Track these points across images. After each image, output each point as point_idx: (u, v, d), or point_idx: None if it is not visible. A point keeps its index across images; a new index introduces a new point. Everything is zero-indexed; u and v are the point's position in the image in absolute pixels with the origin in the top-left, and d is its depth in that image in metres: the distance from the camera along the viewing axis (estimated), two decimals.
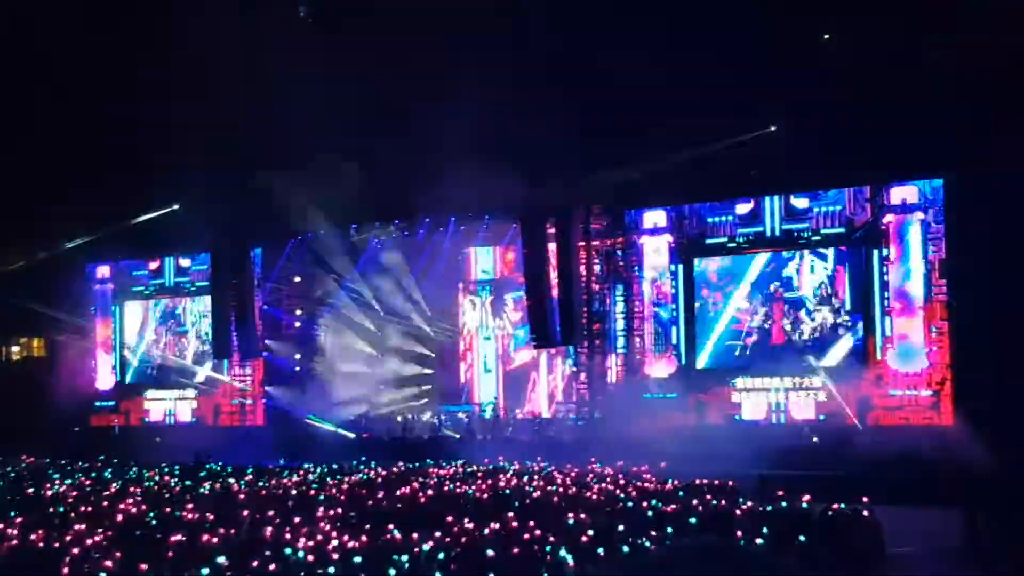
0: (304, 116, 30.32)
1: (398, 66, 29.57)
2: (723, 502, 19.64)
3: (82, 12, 29.82)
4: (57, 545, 15.74)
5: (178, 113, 31.20)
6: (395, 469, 28.36)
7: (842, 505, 18.93)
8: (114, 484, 26.11)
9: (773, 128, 29.63)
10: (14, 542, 16.09)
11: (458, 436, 34.99)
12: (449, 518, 17.58)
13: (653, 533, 16.12)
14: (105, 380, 42.77)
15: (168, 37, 29.53)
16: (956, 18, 25.85)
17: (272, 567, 14.07)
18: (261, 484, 25.26)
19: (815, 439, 29.38)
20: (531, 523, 16.85)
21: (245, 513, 19.08)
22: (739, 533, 15.96)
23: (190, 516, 19.00)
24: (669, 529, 16.55)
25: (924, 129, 26.96)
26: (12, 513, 19.51)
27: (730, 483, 22.13)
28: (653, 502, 19.63)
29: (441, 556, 14.65)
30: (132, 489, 24.69)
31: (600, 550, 15.06)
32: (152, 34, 30.11)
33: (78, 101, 32.58)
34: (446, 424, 36.26)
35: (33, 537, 16.35)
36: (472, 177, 29.99)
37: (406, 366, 37.71)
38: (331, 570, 14.03)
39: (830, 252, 30.58)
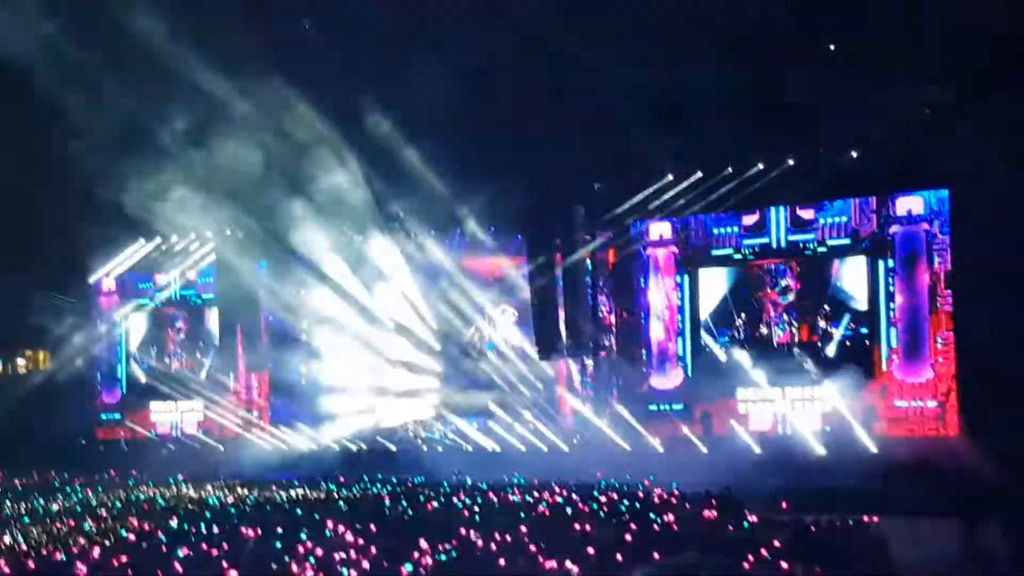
0: (306, 123, 30.46)
1: (398, 74, 29.54)
2: (727, 515, 19.68)
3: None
4: (64, 560, 15.79)
5: (183, 122, 31.18)
6: (403, 482, 28.45)
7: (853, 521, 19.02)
8: (120, 497, 26.17)
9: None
10: (21, 557, 16.14)
11: (468, 447, 35.00)
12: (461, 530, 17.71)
13: (658, 547, 16.16)
14: (111, 392, 42.79)
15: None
16: (963, 25, 25.86)
17: None
18: (269, 496, 25.34)
19: (822, 451, 29.39)
20: (538, 536, 16.94)
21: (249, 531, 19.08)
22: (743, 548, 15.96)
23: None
24: (673, 544, 16.61)
25: (930, 140, 27.03)
26: (19, 528, 19.57)
27: (734, 496, 22.19)
28: (658, 516, 19.67)
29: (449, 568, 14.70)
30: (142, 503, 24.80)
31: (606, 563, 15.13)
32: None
33: (86, 115, 32.54)
34: (454, 436, 36.21)
35: (40, 552, 16.40)
36: (477, 188, 30.15)
37: (412, 377, 37.62)
38: None
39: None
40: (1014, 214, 25.70)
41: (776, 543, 16.09)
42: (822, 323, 30.70)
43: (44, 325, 41.87)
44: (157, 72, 28.22)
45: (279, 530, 18.75)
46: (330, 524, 19.29)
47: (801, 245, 30.94)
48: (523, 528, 18.18)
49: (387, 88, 29.55)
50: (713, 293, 32.31)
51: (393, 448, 36.11)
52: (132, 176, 32.68)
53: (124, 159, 32.16)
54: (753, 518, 19.42)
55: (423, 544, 16.12)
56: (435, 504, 22.95)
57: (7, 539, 18.01)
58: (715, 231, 32.16)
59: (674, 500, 22.32)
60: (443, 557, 15.46)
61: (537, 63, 28.64)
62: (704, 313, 32.40)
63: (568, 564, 14.62)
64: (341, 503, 23.55)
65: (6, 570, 14.94)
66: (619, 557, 15.58)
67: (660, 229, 32.97)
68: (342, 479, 29.98)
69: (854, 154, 29.19)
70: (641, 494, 23.52)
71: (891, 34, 26.38)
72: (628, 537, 17.21)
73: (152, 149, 31.53)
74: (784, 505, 20.82)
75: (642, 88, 27.46)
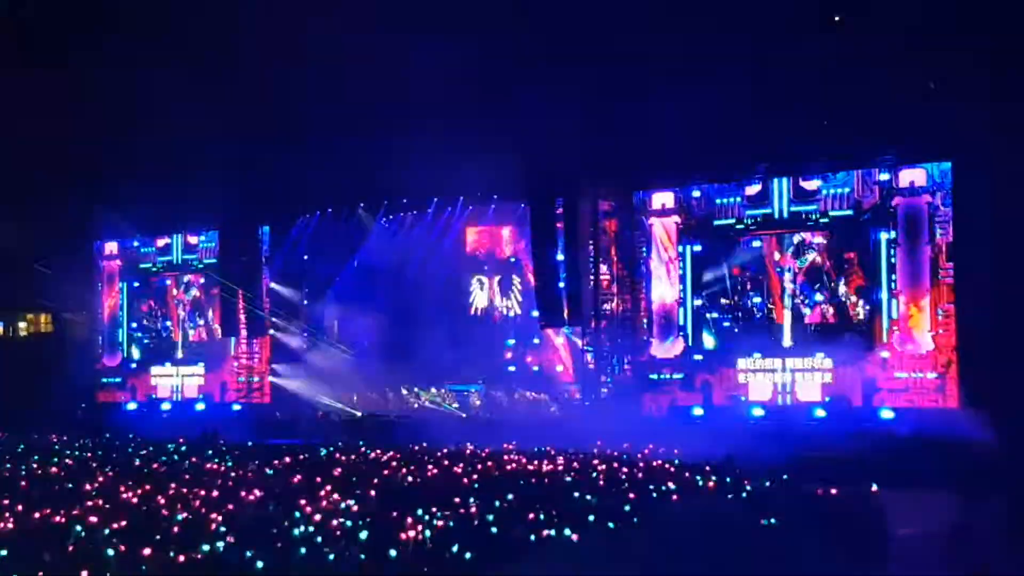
0: (312, 92, 30.39)
1: (404, 41, 29.47)
2: (726, 483, 19.70)
3: None
4: (63, 522, 15.79)
5: (186, 86, 31.09)
6: (399, 448, 28.47)
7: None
8: (119, 460, 26.20)
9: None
10: (19, 520, 16.13)
11: (464, 416, 35.05)
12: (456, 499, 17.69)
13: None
14: (111, 356, 42.86)
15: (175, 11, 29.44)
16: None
17: (277, 544, 14.09)
18: (266, 462, 25.32)
19: (822, 412, 29.42)
20: (535, 503, 16.94)
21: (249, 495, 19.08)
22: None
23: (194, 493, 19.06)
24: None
25: (933, 111, 26.98)
26: (17, 490, 19.58)
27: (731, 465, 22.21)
28: (657, 484, 19.68)
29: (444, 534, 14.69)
30: (138, 465, 24.83)
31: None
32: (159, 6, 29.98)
33: (83, 71, 32.43)
34: (452, 403, 36.28)
35: (38, 515, 16.40)
36: (480, 157, 30.09)
37: (413, 344, 37.62)
38: (333, 551, 14.04)
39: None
40: (1017, 187, 25.65)
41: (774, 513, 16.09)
42: (823, 294, 30.65)
43: (45, 288, 41.95)
44: (156, 35, 28.22)
45: (277, 493, 18.77)
46: (328, 489, 19.29)
47: (803, 216, 30.89)
48: (521, 496, 18.18)
49: (390, 52, 29.48)
50: (715, 263, 32.24)
51: (392, 415, 36.15)
52: (137, 140, 32.71)
53: (130, 122, 32.20)
54: (749, 488, 19.41)
55: (420, 511, 16.11)
56: (433, 471, 22.95)
57: (6, 501, 18.00)
58: (718, 201, 32.10)
59: (673, 469, 22.31)
60: (441, 524, 15.45)
61: (540, 29, 28.59)
62: (705, 283, 32.35)
63: (567, 531, 14.63)
64: (339, 468, 23.54)
65: (5, 531, 14.93)
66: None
67: (663, 199, 32.91)
68: (341, 444, 29.98)
69: (858, 125, 29.11)
70: (640, 463, 23.51)
71: (897, 5, 26.32)
72: (627, 506, 17.22)
73: (157, 112, 31.51)
74: (783, 475, 20.80)
75: (645, 56, 27.37)
